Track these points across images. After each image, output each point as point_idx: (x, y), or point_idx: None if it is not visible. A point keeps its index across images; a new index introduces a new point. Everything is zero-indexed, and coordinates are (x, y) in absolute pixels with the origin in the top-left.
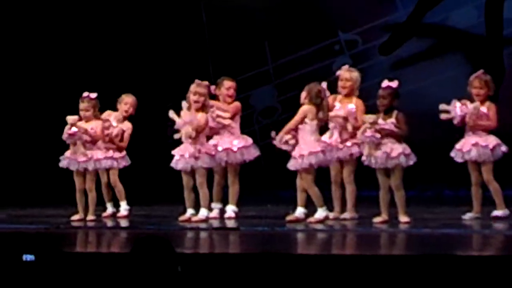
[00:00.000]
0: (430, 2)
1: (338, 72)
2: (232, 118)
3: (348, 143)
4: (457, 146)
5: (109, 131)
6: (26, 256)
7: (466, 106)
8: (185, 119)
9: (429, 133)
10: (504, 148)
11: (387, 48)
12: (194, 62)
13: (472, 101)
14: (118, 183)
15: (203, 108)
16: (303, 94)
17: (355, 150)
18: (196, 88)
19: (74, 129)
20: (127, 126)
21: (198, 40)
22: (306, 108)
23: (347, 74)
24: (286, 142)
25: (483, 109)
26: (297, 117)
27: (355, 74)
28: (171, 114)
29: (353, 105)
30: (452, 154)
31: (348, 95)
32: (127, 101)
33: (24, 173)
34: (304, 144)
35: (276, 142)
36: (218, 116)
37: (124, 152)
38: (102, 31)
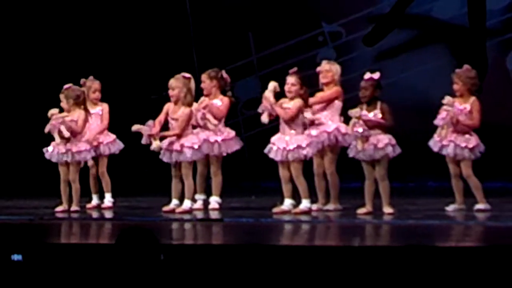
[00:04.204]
0: None
1: (318, 68)
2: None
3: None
4: (436, 137)
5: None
6: (14, 256)
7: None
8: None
9: (412, 124)
10: (482, 148)
11: (371, 39)
12: (178, 53)
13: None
14: (106, 175)
15: (184, 100)
16: (297, 86)
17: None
18: (171, 82)
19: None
20: (104, 107)
21: (182, 31)
22: (300, 104)
23: (327, 66)
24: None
25: (467, 106)
26: (293, 114)
27: (335, 66)
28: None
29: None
30: (430, 143)
31: (328, 85)
32: (95, 88)
33: (8, 164)
34: (296, 136)
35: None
36: (205, 117)
37: (110, 139)
38: (86, 22)
